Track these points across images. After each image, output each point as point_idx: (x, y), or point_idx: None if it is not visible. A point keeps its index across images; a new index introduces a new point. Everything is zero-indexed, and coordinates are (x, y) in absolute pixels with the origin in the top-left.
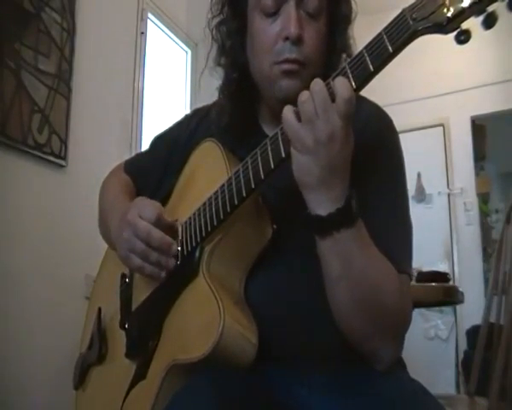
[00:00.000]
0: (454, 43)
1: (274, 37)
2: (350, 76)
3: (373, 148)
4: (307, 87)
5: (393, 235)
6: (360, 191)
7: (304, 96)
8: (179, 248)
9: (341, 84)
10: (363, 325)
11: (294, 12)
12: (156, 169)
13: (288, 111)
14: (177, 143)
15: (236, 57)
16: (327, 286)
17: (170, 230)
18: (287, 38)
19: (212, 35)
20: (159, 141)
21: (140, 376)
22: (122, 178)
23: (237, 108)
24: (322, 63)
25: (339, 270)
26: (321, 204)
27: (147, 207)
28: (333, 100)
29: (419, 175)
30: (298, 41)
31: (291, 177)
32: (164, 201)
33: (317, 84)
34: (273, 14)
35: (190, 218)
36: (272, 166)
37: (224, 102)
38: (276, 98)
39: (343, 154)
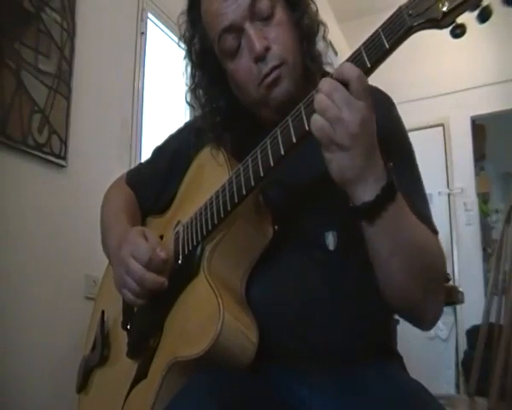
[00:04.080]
0: (454, 43)
1: (247, 66)
2: None
3: (381, 122)
4: (296, 80)
5: (419, 198)
6: None
7: (322, 102)
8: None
9: (346, 68)
10: (419, 290)
11: (252, 32)
12: (157, 180)
13: (316, 120)
14: (178, 152)
15: (217, 105)
16: (377, 267)
17: (164, 263)
18: (257, 59)
19: (192, 105)
20: (160, 152)
21: (141, 375)
22: (123, 192)
23: (235, 129)
24: (297, 43)
25: (390, 247)
26: (367, 190)
27: (140, 247)
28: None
29: None
30: (266, 51)
31: (297, 173)
32: (167, 205)
33: (328, 82)
34: (237, 49)
35: (192, 217)
36: (272, 163)
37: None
38: (275, 108)
39: (372, 130)
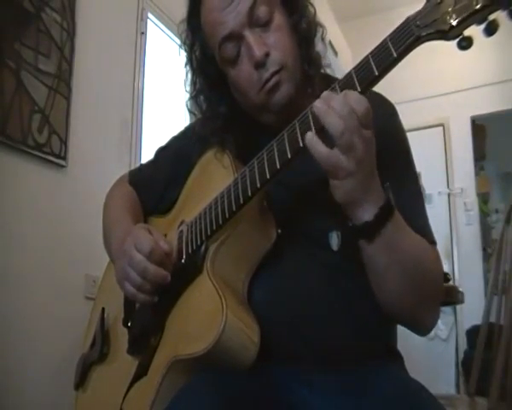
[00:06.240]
0: (454, 43)
1: (248, 73)
2: (355, 80)
3: (383, 133)
4: (296, 83)
5: (417, 210)
6: (380, 175)
7: (339, 126)
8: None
9: (356, 101)
10: (414, 301)
11: (251, 39)
12: (160, 181)
13: (317, 146)
14: (182, 153)
15: (218, 110)
16: (374, 278)
17: (167, 256)
18: (257, 65)
19: (193, 113)
20: (163, 152)
21: (142, 372)
22: (126, 191)
23: (237, 132)
24: (296, 47)
25: (387, 260)
26: (367, 210)
27: (142, 239)
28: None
29: (419, 175)
30: (265, 57)
31: (301, 174)
32: (170, 206)
33: (341, 106)
34: (237, 56)
35: (196, 217)
36: (278, 166)
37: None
38: (277, 112)
39: (374, 153)
